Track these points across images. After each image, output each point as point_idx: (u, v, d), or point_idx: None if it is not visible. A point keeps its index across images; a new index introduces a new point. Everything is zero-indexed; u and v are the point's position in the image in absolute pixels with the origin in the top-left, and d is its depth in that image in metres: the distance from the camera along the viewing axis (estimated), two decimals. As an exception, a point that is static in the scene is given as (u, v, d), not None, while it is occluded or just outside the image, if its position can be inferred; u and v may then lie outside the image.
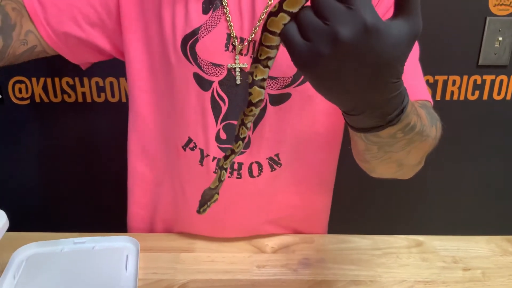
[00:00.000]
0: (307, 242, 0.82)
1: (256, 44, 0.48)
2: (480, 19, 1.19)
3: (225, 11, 0.70)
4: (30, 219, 0.83)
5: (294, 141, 0.76)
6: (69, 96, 1.24)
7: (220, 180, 0.55)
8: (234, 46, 0.71)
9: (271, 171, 0.77)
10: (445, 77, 1.24)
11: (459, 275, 0.75)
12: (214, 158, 0.75)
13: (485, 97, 1.27)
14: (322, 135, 0.78)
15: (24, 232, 0.82)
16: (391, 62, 0.40)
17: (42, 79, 1.23)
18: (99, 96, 1.24)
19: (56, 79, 1.22)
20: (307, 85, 0.66)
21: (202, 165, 0.76)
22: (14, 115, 1.27)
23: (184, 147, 0.77)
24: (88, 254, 0.78)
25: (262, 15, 0.69)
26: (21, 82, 1.24)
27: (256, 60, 0.45)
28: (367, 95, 0.42)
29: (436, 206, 1.33)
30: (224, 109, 0.74)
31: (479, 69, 1.24)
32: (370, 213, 1.33)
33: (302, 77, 0.71)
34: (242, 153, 0.75)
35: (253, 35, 0.70)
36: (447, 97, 1.26)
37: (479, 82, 1.25)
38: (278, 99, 0.73)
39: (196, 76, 0.72)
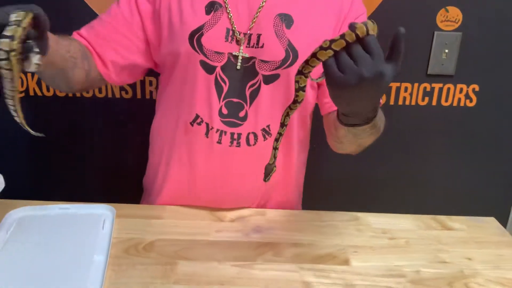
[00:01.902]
0: (261, 214, 0.96)
1: (303, 63, 0.67)
2: (429, 33, 1.34)
3: (228, 11, 0.89)
4: (21, 192, 0.95)
5: (280, 113, 0.89)
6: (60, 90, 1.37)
7: (274, 157, 0.79)
8: (233, 38, 0.89)
9: (264, 140, 0.93)
10: (398, 84, 1.39)
11: (385, 242, 0.88)
12: (217, 130, 0.91)
13: (434, 103, 1.42)
14: (302, 108, 0.93)
15: (15, 200, 0.94)
16: (384, 90, 0.66)
17: (36, 75, 1.35)
18: (87, 92, 1.37)
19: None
20: (293, 67, 0.88)
21: (207, 137, 0.92)
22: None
23: (192, 123, 0.93)
24: (71, 218, 0.90)
25: (257, 13, 0.89)
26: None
27: (300, 73, 0.69)
28: (363, 107, 0.71)
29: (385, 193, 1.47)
30: (225, 89, 0.91)
31: (428, 78, 1.39)
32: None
33: (289, 61, 0.88)
34: (240, 125, 0.91)
35: (251, 30, 0.89)
36: (400, 102, 1.41)
37: (428, 89, 1.40)
38: (269, 79, 0.90)
39: (202, 63, 0.90)
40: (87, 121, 1.42)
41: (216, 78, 0.91)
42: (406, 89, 1.40)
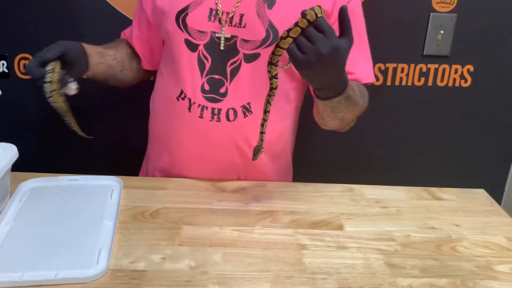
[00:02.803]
0: (260, 186, 1.01)
1: (271, 54, 0.77)
2: (425, 15, 1.38)
3: None
4: (30, 166, 1.01)
5: (263, 93, 0.93)
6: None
7: (262, 140, 0.87)
8: (216, 18, 0.94)
9: (244, 117, 0.97)
10: (395, 65, 1.44)
11: (377, 210, 0.93)
12: (199, 105, 0.97)
13: (429, 83, 1.46)
14: (283, 87, 0.98)
15: (27, 172, 0.99)
16: (343, 62, 0.76)
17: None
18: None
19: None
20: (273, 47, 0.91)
21: (190, 111, 0.97)
22: (19, 88, 1.45)
23: (178, 97, 0.98)
24: (80, 188, 0.95)
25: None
26: (25, 58, 1.42)
27: (270, 63, 0.78)
28: (330, 80, 0.80)
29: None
30: (207, 66, 0.96)
31: (424, 59, 1.43)
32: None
33: (269, 40, 0.93)
34: (220, 100, 0.96)
35: (235, 9, 0.94)
36: (397, 83, 1.46)
37: (424, 70, 1.44)
38: (250, 58, 0.95)
39: (187, 41, 0.96)
40: (97, 99, 1.47)
41: (198, 56, 0.96)
42: (402, 70, 1.44)
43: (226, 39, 0.94)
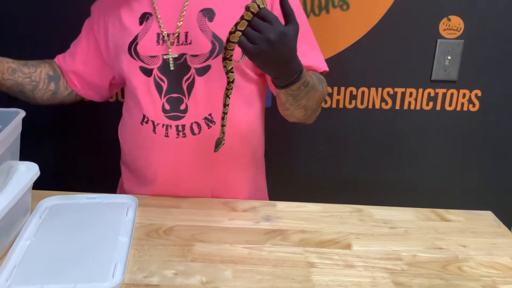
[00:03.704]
0: (271, 205, 1.03)
1: (223, 50, 0.80)
2: (432, 41, 1.42)
3: (157, 18, 1.00)
4: (51, 184, 1.05)
5: (218, 102, 0.96)
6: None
7: (223, 132, 0.89)
8: (164, 41, 0.99)
9: (208, 128, 1.01)
10: (403, 89, 1.47)
11: (385, 230, 0.95)
12: (163, 125, 1.01)
13: (438, 107, 1.48)
14: (241, 93, 1.01)
15: (45, 190, 1.03)
16: (293, 47, 0.80)
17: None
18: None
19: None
20: (220, 57, 0.94)
21: (155, 132, 1.02)
22: (39, 107, 1.50)
23: (142, 122, 1.03)
24: (97, 206, 0.99)
25: (182, 13, 0.99)
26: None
27: (224, 59, 0.81)
28: (284, 66, 0.83)
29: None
30: (164, 87, 1.01)
31: (432, 83, 1.46)
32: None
33: (216, 51, 0.97)
34: (182, 117, 1.00)
35: (178, 29, 0.99)
36: (405, 107, 1.49)
37: (432, 94, 1.47)
38: (202, 71, 0.99)
39: (141, 68, 1.02)
40: (110, 123, 1.52)
41: (154, 79, 1.01)
42: (411, 94, 1.47)
43: (175, 58, 0.99)
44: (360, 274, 0.81)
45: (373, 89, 1.47)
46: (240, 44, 0.76)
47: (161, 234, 0.90)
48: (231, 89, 0.85)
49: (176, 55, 0.99)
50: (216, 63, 0.98)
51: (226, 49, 0.79)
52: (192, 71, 0.99)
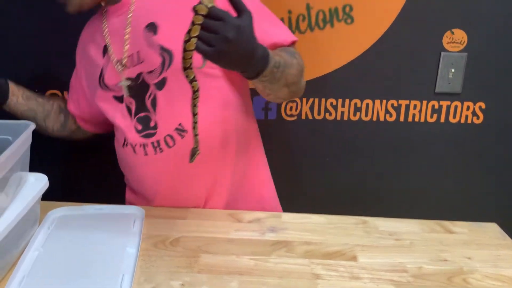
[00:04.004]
0: (276, 217, 1.04)
1: (181, 60, 0.77)
2: (436, 54, 1.43)
3: (110, 50, 1.04)
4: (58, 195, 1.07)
5: (186, 109, 0.95)
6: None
7: (196, 142, 0.88)
8: (123, 67, 1.02)
9: (182, 138, 1.01)
10: (407, 102, 1.48)
11: (391, 243, 0.96)
12: (140, 145, 1.04)
13: (442, 119, 1.49)
14: (213, 95, 1.01)
15: (54, 201, 1.04)
16: (252, 36, 0.78)
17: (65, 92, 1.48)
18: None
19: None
20: (173, 66, 0.98)
21: (135, 153, 1.05)
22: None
23: (123, 145, 1.07)
24: (105, 217, 1.00)
25: (126, 40, 1.01)
26: (54, 94, 1.50)
27: (185, 69, 0.78)
28: (249, 58, 0.80)
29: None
30: (133, 109, 1.03)
31: (436, 96, 1.47)
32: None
33: (167, 62, 0.98)
34: (153, 134, 1.02)
35: (126, 52, 1.01)
36: (410, 119, 1.49)
37: (436, 106, 1.48)
38: (160, 85, 1.00)
39: (114, 97, 1.06)
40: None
41: (126, 104, 1.04)
42: (415, 107, 1.48)
43: (134, 79, 1.01)
44: (366, 286, 0.81)
45: (377, 101, 1.48)
46: (198, 50, 0.73)
47: (167, 245, 0.91)
48: (197, 98, 0.83)
49: (129, 82, 1.02)
50: (171, 74, 0.98)
51: (184, 59, 0.76)
52: (152, 87, 1.00)
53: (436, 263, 0.89)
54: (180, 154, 1.01)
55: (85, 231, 0.95)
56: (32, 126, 0.90)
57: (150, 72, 1.00)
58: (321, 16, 1.39)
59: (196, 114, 0.85)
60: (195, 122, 0.86)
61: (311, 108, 1.48)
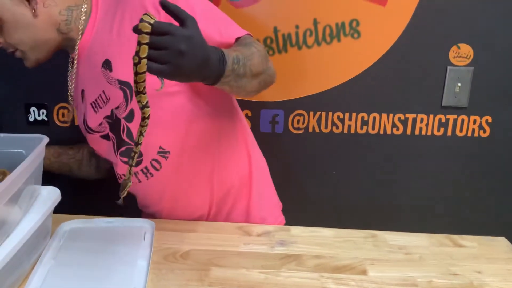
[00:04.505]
0: (285, 230, 1.05)
1: (133, 84, 0.71)
2: (442, 69, 1.44)
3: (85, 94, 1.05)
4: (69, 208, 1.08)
5: (161, 130, 0.99)
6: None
7: (130, 173, 0.84)
8: (97, 108, 1.04)
9: (166, 159, 1.02)
10: (414, 116, 1.49)
11: (401, 257, 0.96)
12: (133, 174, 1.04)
13: (449, 133, 1.50)
14: (174, 114, 0.99)
15: (65, 214, 1.05)
16: (202, 42, 0.73)
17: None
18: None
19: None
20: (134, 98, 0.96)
21: (131, 182, 1.04)
22: (57, 134, 1.54)
23: (118, 178, 1.11)
24: (115, 230, 1.01)
25: (72, 81, 1.06)
26: (64, 108, 1.52)
27: (138, 93, 0.71)
28: (205, 65, 0.75)
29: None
30: (115, 144, 1.05)
31: (443, 110, 1.48)
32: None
33: (128, 95, 0.97)
34: (140, 162, 1.03)
35: (71, 91, 1.07)
36: (417, 133, 1.50)
37: (443, 120, 1.49)
38: (130, 117, 1.00)
39: (101, 137, 1.07)
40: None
41: (112, 141, 1.06)
42: (422, 120, 1.49)
43: (109, 116, 1.02)
44: (377, 300, 0.82)
45: (384, 115, 1.49)
46: (151, 70, 0.68)
47: (178, 258, 0.92)
48: (146, 126, 0.77)
49: (109, 114, 1.02)
50: (134, 105, 0.98)
51: (136, 83, 0.70)
52: (123, 121, 1.01)
53: (447, 277, 0.89)
54: (168, 175, 1.04)
55: (96, 244, 0.95)
56: (46, 140, 0.91)
57: (117, 107, 1.00)
58: (328, 31, 1.41)
59: (139, 143, 0.79)
60: (135, 152, 0.81)
61: (318, 122, 1.49)
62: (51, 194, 0.93)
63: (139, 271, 0.86)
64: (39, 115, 1.53)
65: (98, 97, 1.02)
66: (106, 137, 1.06)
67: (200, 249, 0.95)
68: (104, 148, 1.09)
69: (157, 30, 0.67)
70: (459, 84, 1.45)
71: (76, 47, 1.02)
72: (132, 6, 0.96)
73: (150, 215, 1.14)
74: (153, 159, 1.03)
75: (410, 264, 0.93)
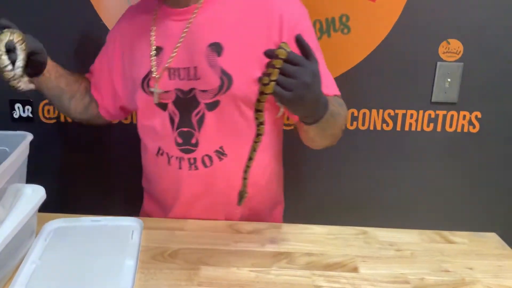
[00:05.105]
0: (276, 228, 1.03)
1: (256, 102, 0.76)
2: (432, 64, 1.44)
3: (163, 55, 1.01)
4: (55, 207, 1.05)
5: (231, 135, 0.99)
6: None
7: (244, 185, 0.88)
8: (175, 75, 1.00)
9: (220, 160, 1.02)
10: (404, 111, 1.48)
11: (392, 253, 0.95)
12: (176, 158, 1.03)
13: (438, 129, 1.50)
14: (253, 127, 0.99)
15: (50, 213, 1.02)
16: (320, 82, 0.78)
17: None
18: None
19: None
20: (230, 91, 0.97)
21: (169, 164, 1.04)
22: (43, 131, 1.51)
23: (157, 154, 1.05)
24: (102, 229, 0.99)
25: (190, 51, 0.98)
26: (49, 104, 1.49)
27: (257, 111, 0.78)
28: (316, 104, 0.82)
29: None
30: (176, 120, 1.02)
31: (432, 105, 1.48)
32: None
33: (225, 87, 0.97)
34: (193, 150, 1.01)
35: (187, 64, 0.99)
36: (406, 128, 1.50)
37: (433, 116, 1.49)
38: (212, 106, 0.99)
39: (159, 104, 1.02)
40: (113, 144, 1.53)
41: (169, 113, 1.02)
42: (411, 116, 1.49)
43: (186, 91, 0.99)
44: (368, 298, 0.81)
45: (374, 111, 1.48)
46: (276, 94, 0.73)
47: (166, 257, 0.90)
48: (260, 142, 0.82)
49: (161, 90, 1.00)
50: (226, 99, 0.98)
51: (259, 101, 0.76)
52: (202, 106, 0.99)
53: (438, 273, 0.89)
54: (212, 175, 1.02)
55: (83, 243, 0.93)
56: (30, 137, 0.89)
57: (204, 91, 0.98)
58: (318, 26, 1.39)
59: (252, 159, 0.85)
60: (248, 166, 0.86)
61: (308, 118, 1.48)
62: (36, 193, 0.90)
63: (127, 270, 0.84)
64: (24, 112, 1.50)
65: (184, 69, 0.99)
66: (163, 106, 1.02)
67: (189, 247, 0.94)
68: (150, 114, 1.04)
69: (291, 60, 0.72)
70: (449, 80, 1.45)
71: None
72: (257, 10, 0.98)
73: (154, 209, 1.13)
74: (207, 155, 1.01)
75: (401, 261, 0.92)
